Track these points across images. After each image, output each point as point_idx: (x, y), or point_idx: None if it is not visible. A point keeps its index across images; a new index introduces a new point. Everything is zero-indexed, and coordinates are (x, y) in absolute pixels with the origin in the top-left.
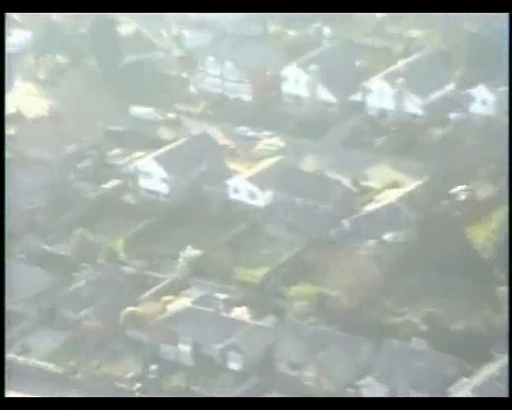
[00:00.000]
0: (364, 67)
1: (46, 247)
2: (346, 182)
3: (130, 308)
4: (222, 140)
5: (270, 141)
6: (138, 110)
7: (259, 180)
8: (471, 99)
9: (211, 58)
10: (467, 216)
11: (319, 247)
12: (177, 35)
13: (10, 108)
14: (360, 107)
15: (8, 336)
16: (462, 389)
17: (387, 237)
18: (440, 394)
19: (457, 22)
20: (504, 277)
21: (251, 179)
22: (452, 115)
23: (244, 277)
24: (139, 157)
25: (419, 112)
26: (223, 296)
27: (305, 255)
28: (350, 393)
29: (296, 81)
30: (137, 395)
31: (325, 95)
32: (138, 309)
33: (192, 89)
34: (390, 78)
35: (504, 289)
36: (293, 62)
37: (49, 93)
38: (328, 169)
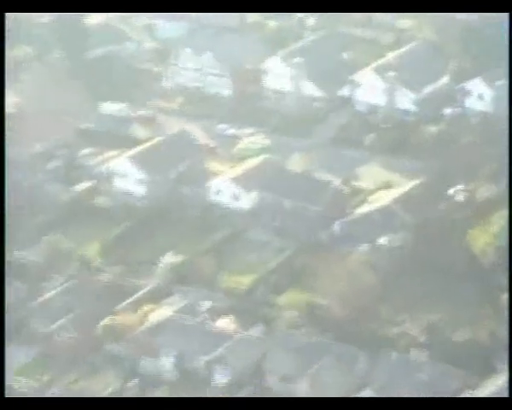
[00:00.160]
0: (352, 60)
1: (14, 254)
2: (337, 182)
3: (107, 319)
4: (201, 138)
5: (253, 139)
6: (109, 107)
7: (243, 181)
8: (467, 93)
9: (187, 50)
10: (466, 218)
11: (309, 252)
12: (149, 25)
13: None
14: (348, 102)
15: None
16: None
17: (382, 240)
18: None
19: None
20: (508, 283)
21: (234, 180)
22: (447, 111)
23: (230, 284)
24: (112, 157)
25: (411, 107)
26: (207, 305)
27: (294, 261)
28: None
29: (279, 75)
30: None
31: (310, 89)
32: (116, 320)
33: (167, 83)
34: (380, 71)
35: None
36: (276, 55)
37: (13, 88)
38: (316, 169)
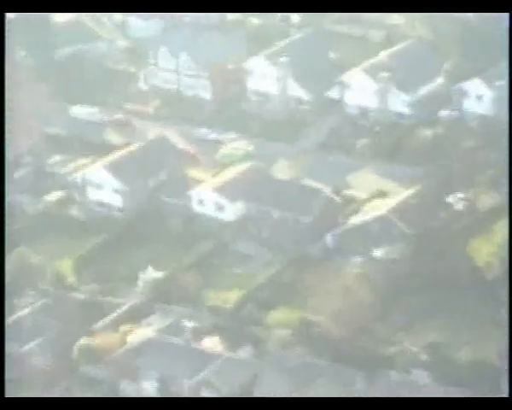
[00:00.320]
0: (340, 59)
1: None
2: (327, 191)
3: (83, 340)
4: (180, 144)
5: (236, 145)
6: (80, 110)
7: (227, 190)
8: (464, 94)
9: (163, 49)
10: (467, 228)
11: (300, 265)
12: (122, 23)
13: None
14: (338, 104)
15: None
16: None
17: (378, 253)
18: None
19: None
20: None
21: (217, 189)
22: (443, 113)
23: (215, 301)
24: (85, 164)
25: (405, 110)
26: (191, 324)
27: (284, 276)
28: None
29: (263, 75)
30: None
31: (297, 91)
32: (93, 341)
33: (142, 85)
34: (371, 71)
35: None
36: (259, 54)
37: None
38: (304, 176)
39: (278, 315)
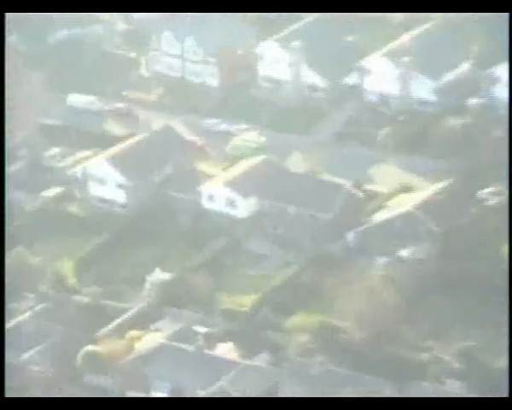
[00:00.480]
0: (358, 43)
1: None
2: (348, 186)
3: (88, 347)
4: (187, 136)
5: (247, 136)
6: (78, 99)
7: (240, 185)
8: (494, 80)
9: (166, 33)
10: (500, 225)
11: (319, 266)
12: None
13: None
14: (356, 92)
15: None
16: None
17: (403, 253)
18: None
19: None
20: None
21: (229, 184)
22: (472, 101)
23: (228, 305)
24: (86, 158)
25: (430, 97)
26: (203, 330)
27: (302, 277)
28: None
29: (275, 61)
30: None
31: (311, 77)
32: (98, 348)
33: (144, 72)
34: (392, 55)
35: None
36: (271, 38)
37: None
38: (321, 170)
39: (296, 320)
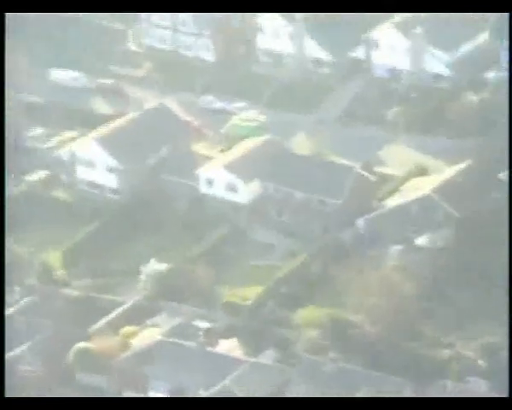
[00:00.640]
0: (365, 14)
1: None
2: (358, 168)
3: (80, 344)
4: (181, 114)
5: (247, 115)
6: (61, 75)
7: (240, 168)
8: None
9: None
10: None
11: (328, 256)
12: None
13: None
14: (364, 66)
15: None
16: None
17: (420, 240)
18: None
19: None
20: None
21: (229, 167)
22: (490, 75)
23: (231, 298)
24: (72, 138)
25: (445, 71)
26: (204, 325)
27: (310, 267)
28: None
29: (275, 33)
30: None
31: (316, 51)
32: (91, 345)
33: (132, 45)
34: (402, 26)
35: None
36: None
37: None
38: (328, 151)
39: (305, 313)
